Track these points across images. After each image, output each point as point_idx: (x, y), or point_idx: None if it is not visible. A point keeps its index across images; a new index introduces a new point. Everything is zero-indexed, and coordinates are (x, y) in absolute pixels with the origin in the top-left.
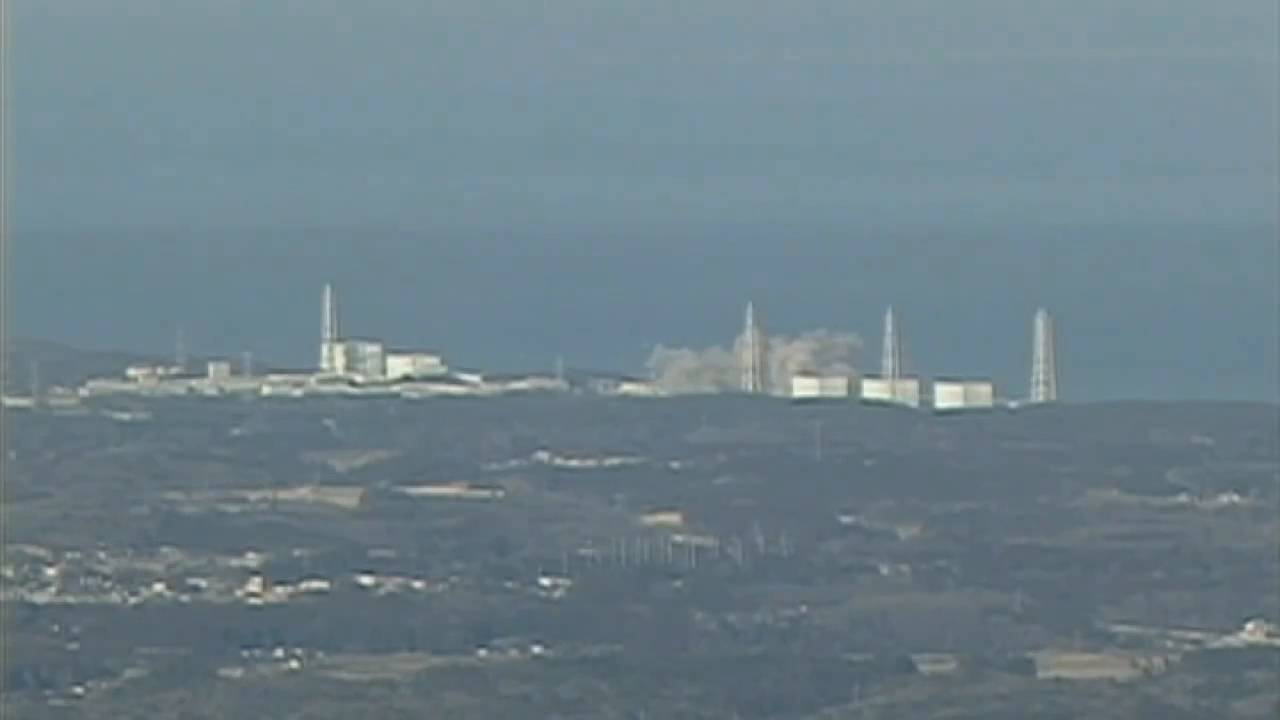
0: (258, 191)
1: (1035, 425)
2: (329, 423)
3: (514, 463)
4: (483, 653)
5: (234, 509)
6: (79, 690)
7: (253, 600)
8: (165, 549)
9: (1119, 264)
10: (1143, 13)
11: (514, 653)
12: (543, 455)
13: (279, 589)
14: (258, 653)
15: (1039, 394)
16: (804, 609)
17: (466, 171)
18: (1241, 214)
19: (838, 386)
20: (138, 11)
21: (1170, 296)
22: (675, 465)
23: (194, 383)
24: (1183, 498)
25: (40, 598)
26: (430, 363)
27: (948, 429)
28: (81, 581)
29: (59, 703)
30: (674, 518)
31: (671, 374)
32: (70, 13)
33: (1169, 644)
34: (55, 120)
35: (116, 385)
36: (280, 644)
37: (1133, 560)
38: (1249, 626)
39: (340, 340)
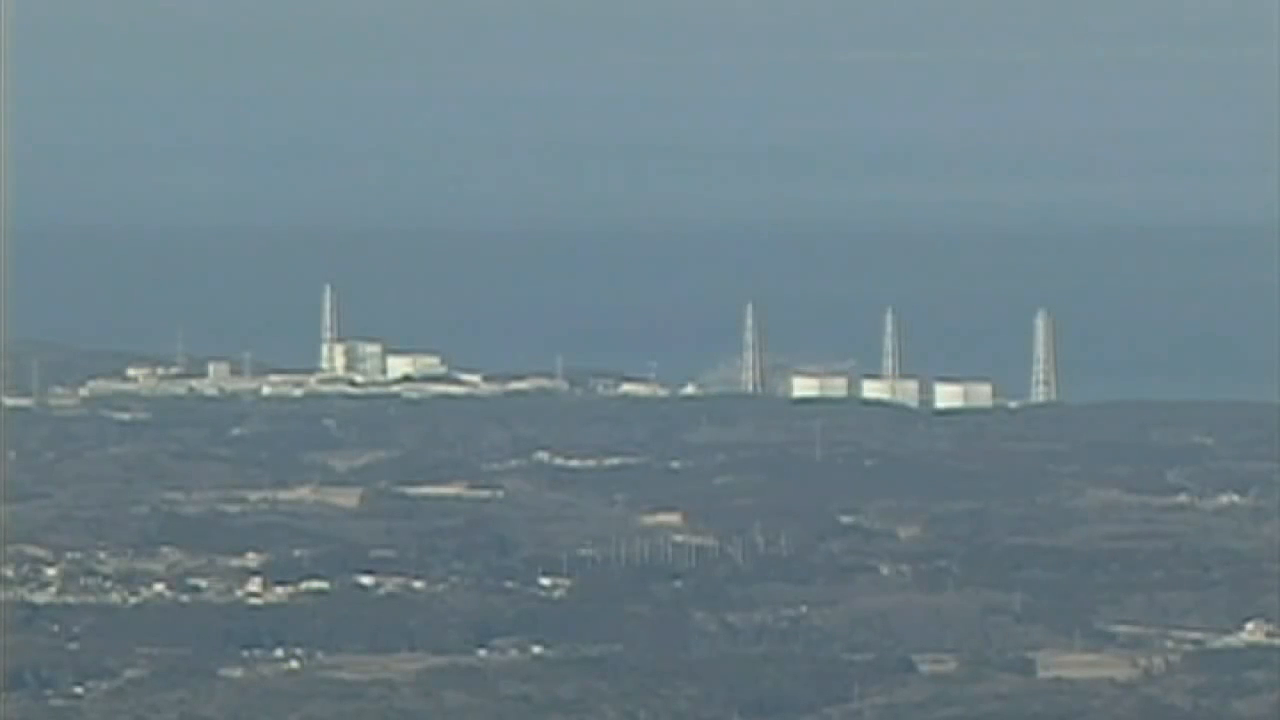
0: (258, 191)
1: (1035, 425)
2: (329, 423)
3: (514, 463)
4: (483, 653)
5: (234, 509)
6: (79, 690)
7: (253, 600)
8: (165, 549)
9: (1119, 264)
10: (1144, 13)
11: (514, 653)
12: (543, 455)
13: (279, 589)
14: (258, 653)
15: (1039, 394)
16: (804, 609)
17: (467, 171)
18: (1241, 214)
19: (838, 386)
20: (139, 11)
21: (1170, 296)
22: (675, 465)
23: (194, 383)
24: (1183, 498)
25: (40, 598)
26: (430, 363)
27: (948, 429)
28: (81, 581)
29: (59, 703)
30: (674, 518)
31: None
32: (71, 12)
33: (1169, 644)
34: (56, 120)
35: (116, 385)
36: (280, 644)
37: (1133, 560)
38: (1249, 626)
39: (340, 340)
